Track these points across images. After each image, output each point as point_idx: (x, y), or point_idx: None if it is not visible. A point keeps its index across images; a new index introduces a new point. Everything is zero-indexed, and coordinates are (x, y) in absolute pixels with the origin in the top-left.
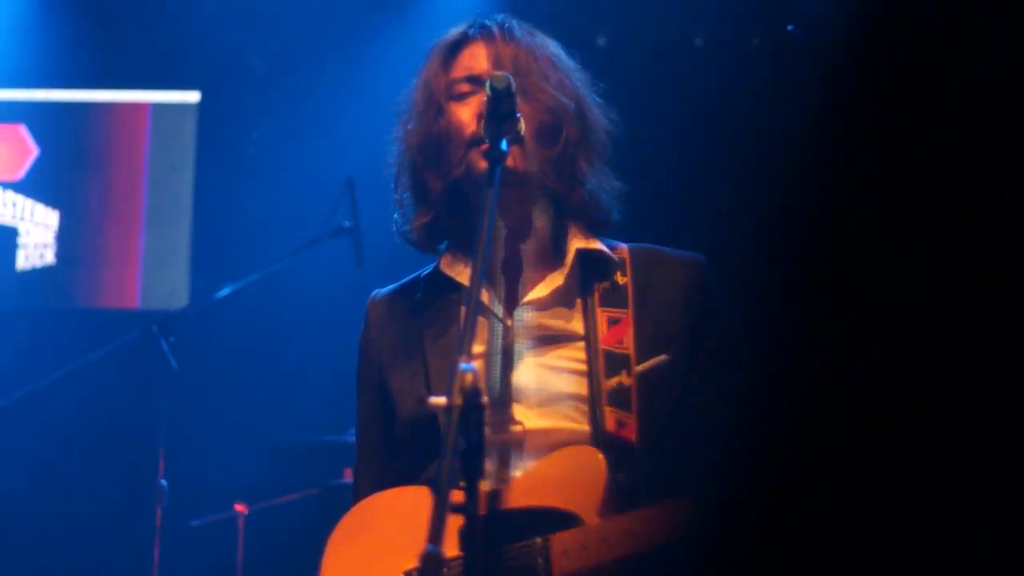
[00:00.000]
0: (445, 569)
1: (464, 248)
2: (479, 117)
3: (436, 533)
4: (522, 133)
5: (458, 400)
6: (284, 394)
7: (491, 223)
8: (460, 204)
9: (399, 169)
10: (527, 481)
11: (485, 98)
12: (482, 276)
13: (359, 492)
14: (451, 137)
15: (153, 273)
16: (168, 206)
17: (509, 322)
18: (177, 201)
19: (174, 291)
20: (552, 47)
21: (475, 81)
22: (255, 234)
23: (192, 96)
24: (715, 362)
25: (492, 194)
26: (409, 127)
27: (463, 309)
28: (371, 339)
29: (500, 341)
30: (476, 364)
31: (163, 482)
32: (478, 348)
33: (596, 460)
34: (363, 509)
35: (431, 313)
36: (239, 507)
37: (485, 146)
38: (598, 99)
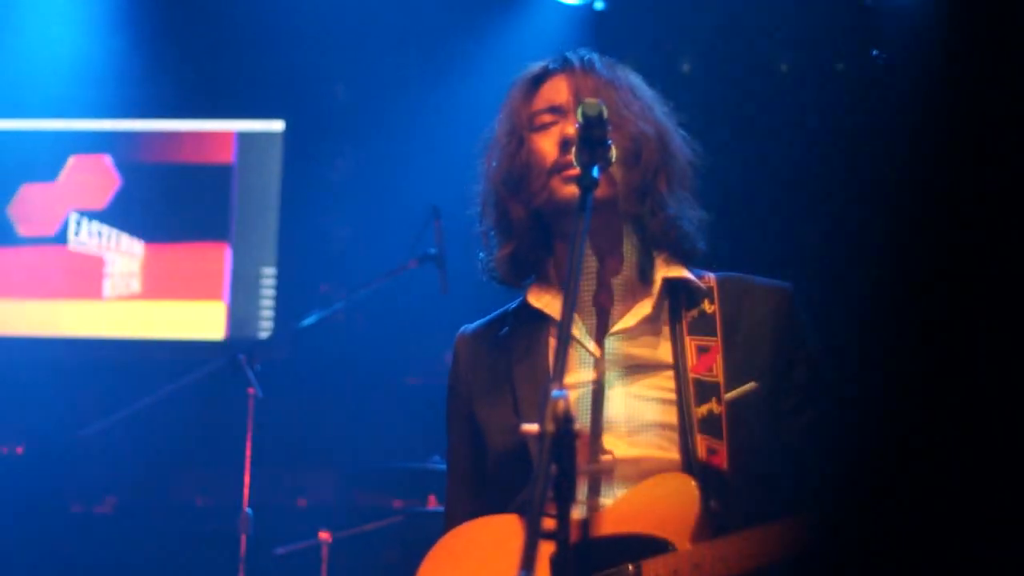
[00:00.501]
0: None
1: (549, 279)
2: (561, 145)
3: (529, 560)
4: (613, 160)
5: (551, 427)
6: (368, 421)
7: (582, 250)
8: (543, 234)
9: (483, 205)
10: (618, 509)
11: (576, 125)
12: (577, 310)
13: (450, 524)
14: (533, 166)
15: (239, 302)
16: (254, 235)
17: (598, 352)
18: (263, 230)
19: (260, 320)
20: (633, 79)
21: (557, 112)
22: (341, 262)
23: (277, 125)
24: (804, 390)
25: (584, 220)
26: (492, 161)
27: (551, 340)
28: (460, 374)
29: (590, 372)
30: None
31: (248, 510)
32: (569, 379)
33: (689, 487)
34: (453, 538)
35: (519, 345)
36: (323, 535)
37: (569, 172)
38: (681, 130)
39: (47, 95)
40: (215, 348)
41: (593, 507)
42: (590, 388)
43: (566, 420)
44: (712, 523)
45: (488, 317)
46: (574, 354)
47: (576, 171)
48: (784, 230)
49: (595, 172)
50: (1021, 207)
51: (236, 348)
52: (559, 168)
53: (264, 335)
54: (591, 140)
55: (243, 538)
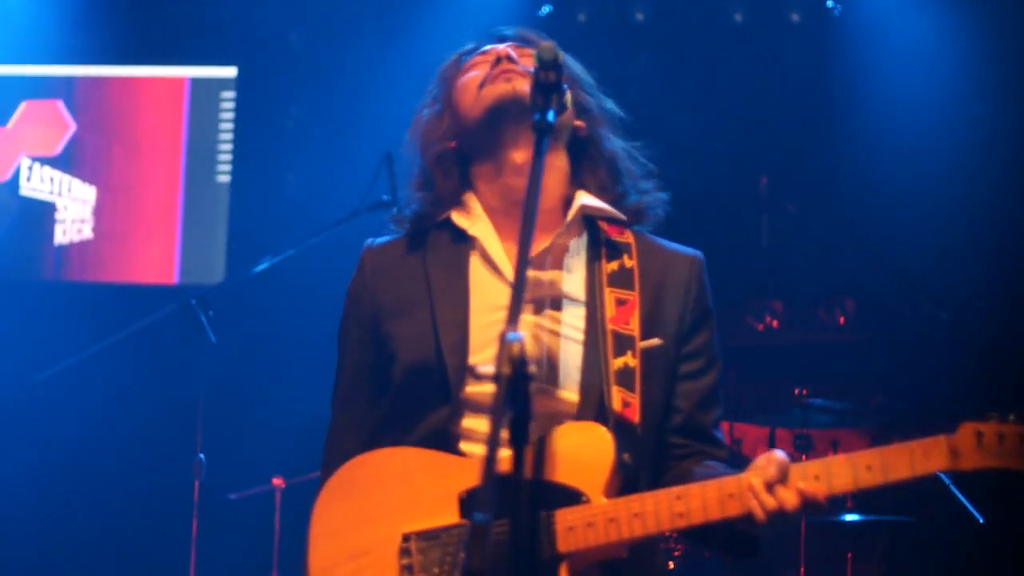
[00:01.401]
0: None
1: (468, 206)
2: (492, 62)
3: (486, 502)
4: (568, 105)
5: (506, 369)
6: (321, 368)
7: (536, 192)
8: (462, 169)
9: (423, 150)
10: (532, 452)
11: (532, 69)
12: (499, 232)
13: (339, 440)
14: (463, 95)
15: (191, 248)
16: (206, 181)
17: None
18: (215, 176)
19: (212, 265)
20: (572, 63)
21: (488, 55)
22: (293, 208)
23: (229, 71)
24: (706, 356)
25: (539, 163)
26: (424, 113)
27: (472, 259)
28: (365, 284)
29: (505, 297)
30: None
31: (201, 456)
32: (487, 301)
33: (605, 439)
34: (354, 467)
35: (438, 262)
36: (276, 481)
37: (499, 70)
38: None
39: None
40: (167, 293)
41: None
42: (499, 315)
43: (521, 363)
44: (624, 477)
45: (399, 233)
46: (493, 277)
47: (510, 66)
48: (738, 178)
49: (551, 116)
50: None
51: (188, 294)
52: (487, 80)
53: (216, 281)
54: (547, 84)
55: (196, 484)
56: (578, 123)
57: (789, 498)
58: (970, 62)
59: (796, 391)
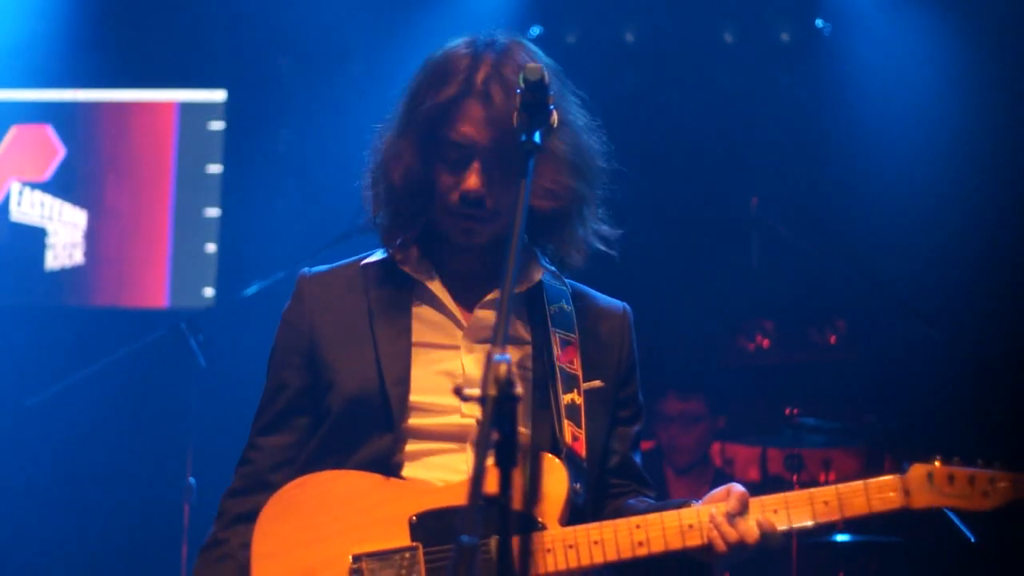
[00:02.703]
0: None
1: (426, 249)
2: (461, 197)
3: (471, 524)
4: (555, 125)
5: (492, 391)
6: None
7: (524, 222)
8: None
9: (375, 176)
10: (490, 480)
11: (518, 90)
12: (441, 278)
13: (260, 464)
14: (433, 194)
15: (181, 271)
16: (195, 204)
17: (466, 321)
18: (204, 199)
19: (202, 289)
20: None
21: (465, 149)
22: (282, 232)
23: (218, 95)
24: (634, 405)
25: (526, 186)
26: (392, 151)
27: (415, 304)
28: (304, 312)
29: (455, 338)
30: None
31: (191, 480)
32: (432, 339)
33: (560, 470)
34: (297, 488)
35: (381, 301)
36: None
37: (463, 223)
38: (600, 140)
39: None
40: (157, 317)
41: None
42: (453, 352)
43: (508, 384)
44: (574, 506)
45: (333, 264)
46: (438, 318)
47: (472, 224)
48: (728, 198)
49: (536, 137)
50: None
51: (178, 317)
52: (456, 215)
53: (206, 305)
54: (533, 105)
55: (186, 508)
56: (541, 204)
57: (750, 530)
58: (960, 82)
59: (787, 411)
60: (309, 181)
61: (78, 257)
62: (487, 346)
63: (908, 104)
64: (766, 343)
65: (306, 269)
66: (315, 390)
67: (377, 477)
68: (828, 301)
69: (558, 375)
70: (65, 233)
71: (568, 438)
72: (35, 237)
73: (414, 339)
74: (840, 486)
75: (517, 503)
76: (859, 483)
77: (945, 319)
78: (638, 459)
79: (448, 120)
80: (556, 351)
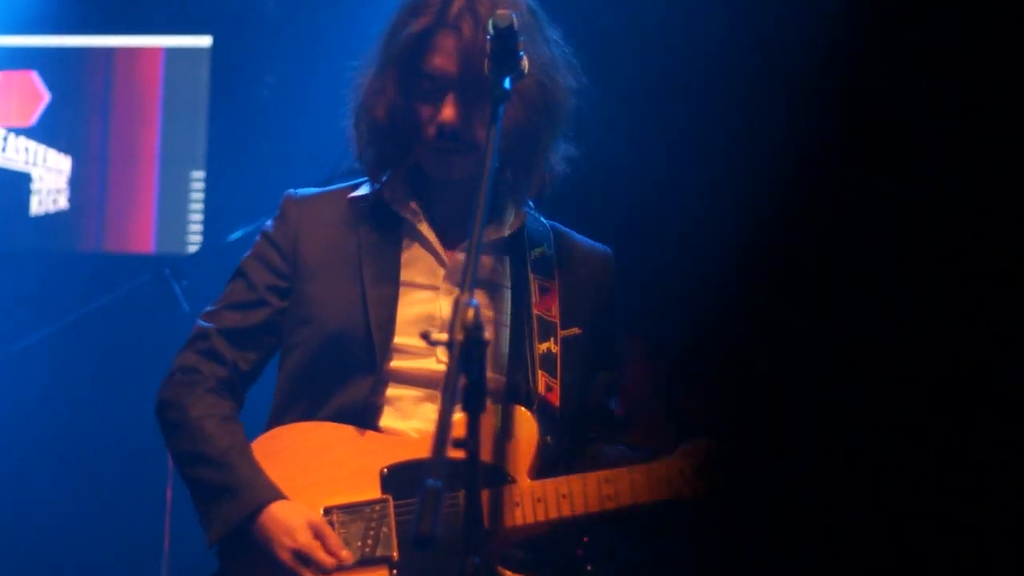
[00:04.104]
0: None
1: (406, 184)
2: (438, 129)
3: (437, 468)
4: (525, 71)
5: (460, 335)
6: None
7: (493, 167)
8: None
9: (360, 111)
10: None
11: (488, 37)
12: (428, 216)
13: (230, 365)
14: (411, 127)
15: (166, 217)
16: (181, 150)
17: (449, 262)
18: (190, 145)
19: (187, 235)
20: (528, 22)
21: (439, 81)
22: (268, 177)
23: (204, 40)
24: (612, 349)
25: (495, 132)
26: (372, 88)
27: (404, 241)
28: (287, 232)
29: (437, 278)
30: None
31: None
32: (415, 278)
33: (530, 422)
34: (269, 440)
35: (369, 238)
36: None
37: (440, 156)
38: (569, 66)
39: None
40: (143, 263)
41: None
42: (433, 294)
43: (476, 328)
44: (545, 458)
45: (322, 189)
46: (424, 258)
47: (449, 157)
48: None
49: (506, 84)
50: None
51: (162, 263)
52: (433, 148)
53: (191, 250)
54: (502, 51)
55: (169, 452)
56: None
57: (716, 483)
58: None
59: None
60: (295, 126)
61: (63, 203)
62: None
63: None
64: None
65: (292, 190)
66: (287, 320)
67: (351, 429)
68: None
69: (535, 323)
70: (50, 179)
71: (542, 388)
72: (20, 183)
73: (401, 278)
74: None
75: (486, 455)
76: None
77: None
78: (614, 404)
79: (422, 52)
80: (534, 298)
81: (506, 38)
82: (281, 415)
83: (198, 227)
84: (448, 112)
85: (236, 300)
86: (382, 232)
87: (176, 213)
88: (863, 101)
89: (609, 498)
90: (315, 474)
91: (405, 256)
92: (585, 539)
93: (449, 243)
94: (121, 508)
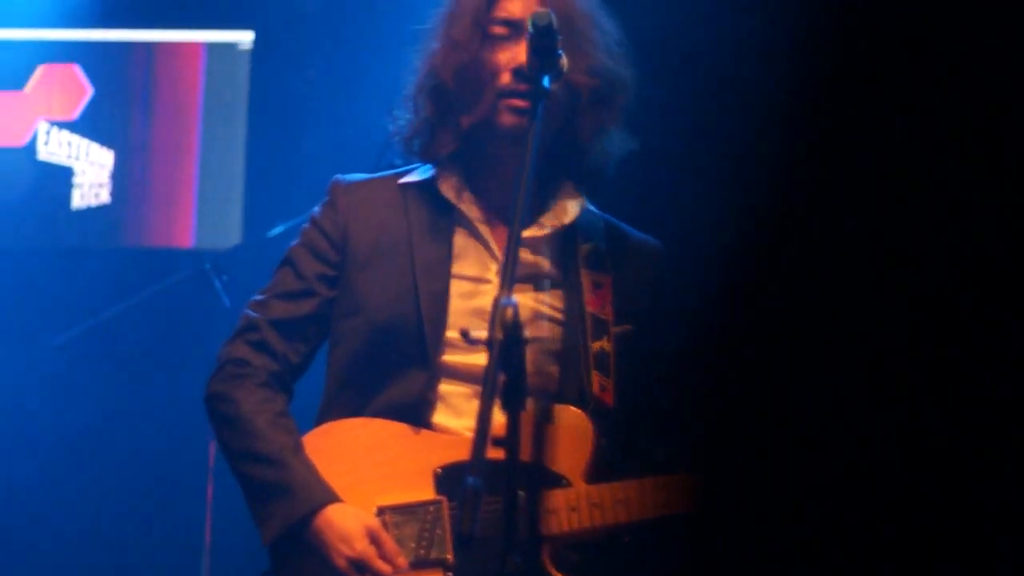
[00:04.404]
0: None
1: (458, 172)
2: (514, 72)
3: (478, 467)
4: (564, 70)
5: (499, 334)
6: None
7: (534, 161)
8: (476, 141)
9: (423, 83)
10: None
11: (527, 35)
12: (480, 205)
13: (279, 356)
14: (485, 79)
15: (207, 212)
16: (222, 145)
17: (501, 256)
18: (231, 140)
19: (227, 230)
20: (594, 4)
21: (513, 27)
22: (308, 172)
23: (246, 36)
24: (666, 345)
25: (535, 128)
26: (443, 49)
27: (457, 232)
28: (339, 223)
29: (489, 271)
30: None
31: None
32: (467, 270)
33: (585, 424)
34: (319, 437)
35: (419, 227)
36: None
37: (516, 102)
38: (625, 64)
39: (15, 3)
40: (183, 257)
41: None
42: (486, 287)
43: (515, 327)
44: (601, 462)
45: (371, 175)
46: (476, 249)
47: (523, 103)
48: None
49: (545, 82)
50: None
51: (203, 258)
52: (507, 93)
53: (231, 245)
54: (541, 49)
55: (212, 446)
56: (583, 80)
57: None
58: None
59: None
60: (335, 121)
61: (105, 197)
62: (524, 286)
63: None
64: None
65: (340, 176)
66: (334, 307)
67: (403, 427)
68: None
69: (588, 322)
70: (92, 173)
71: (596, 389)
72: (62, 177)
73: (453, 270)
74: None
75: (541, 458)
76: None
77: None
78: (668, 401)
79: (495, 1)
80: (586, 295)
81: (545, 36)
82: (330, 409)
83: (238, 222)
84: (524, 54)
85: (285, 289)
86: (433, 221)
87: (217, 208)
88: (866, 100)
89: (664, 505)
90: (367, 472)
91: (457, 247)
92: (626, 539)
93: (501, 235)
94: (161, 504)
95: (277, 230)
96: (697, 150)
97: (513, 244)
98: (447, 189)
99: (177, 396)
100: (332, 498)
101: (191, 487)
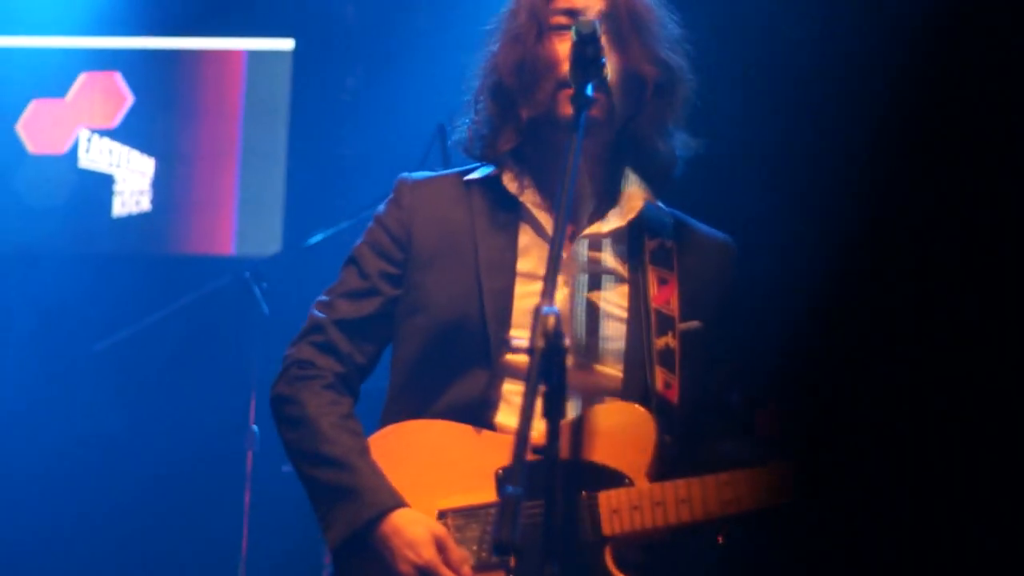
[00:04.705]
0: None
1: (525, 169)
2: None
3: (518, 475)
4: (608, 79)
5: (541, 342)
6: None
7: (575, 170)
8: (537, 132)
9: (484, 84)
10: (574, 431)
11: (571, 42)
12: (545, 201)
13: (346, 359)
14: (544, 71)
15: (247, 219)
16: (262, 153)
17: (565, 253)
18: (271, 148)
19: (267, 237)
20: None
21: (575, 16)
22: (348, 181)
23: (287, 44)
24: (734, 341)
25: (577, 139)
26: (503, 46)
27: (521, 228)
28: (404, 220)
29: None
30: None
31: (254, 427)
32: (531, 269)
33: (647, 421)
34: (381, 439)
35: (484, 224)
36: None
37: (571, 91)
38: (685, 60)
39: (57, 12)
40: (223, 265)
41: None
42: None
43: (556, 336)
44: (665, 458)
45: (437, 173)
46: (540, 246)
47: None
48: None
49: (588, 90)
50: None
51: (243, 266)
52: (567, 83)
53: (271, 253)
54: (584, 58)
55: (249, 455)
56: (648, 70)
57: None
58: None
59: None
60: (375, 130)
61: (145, 204)
62: (590, 284)
63: None
64: None
65: (405, 174)
66: (399, 305)
67: (465, 427)
68: None
69: (653, 317)
70: (133, 180)
71: (660, 386)
72: (103, 184)
73: (517, 268)
74: None
75: (603, 456)
76: None
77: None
78: (742, 398)
79: None
80: (652, 291)
81: (588, 44)
82: (394, 409)
83: (279, 230)
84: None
85: (349, 289)
86: (497, 217)
87: (257, 215)
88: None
89: (729, 503)
90: (430, 475)
91: (521, 244)
92: (720, 539)
93: (573, 235)
94: (199, 511)
95: (316, 238)
96: (812, 146)
97: (556, 249)
98: (510, 182)
99: (216, 403)
100: (399, 502)
101: (229, 495)
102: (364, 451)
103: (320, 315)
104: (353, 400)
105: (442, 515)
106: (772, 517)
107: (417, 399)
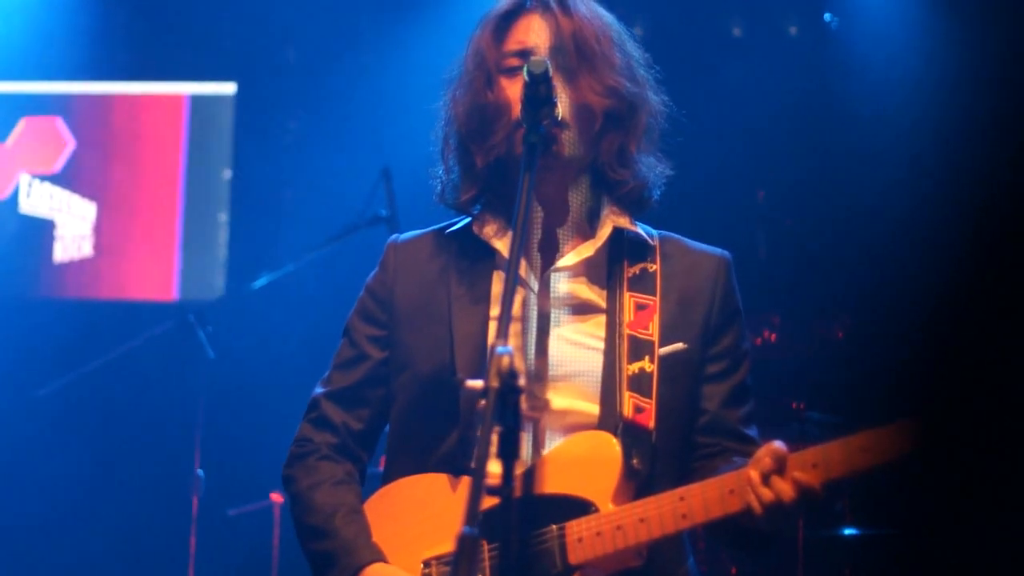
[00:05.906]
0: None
1: (499, 213)
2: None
3: (473, 516)
4: (560, 118)
5: (495, 383)
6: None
7: (528, 207)
8: (502, 175)
9: (446, 134)
10: (544, 467)
11: (523, 83)
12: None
13: (340, 429)
14: (498, 114)
15: (190, 264)
16: (205, 197)
17: (540, 289)
18: (214, 192)
19: (211, 281)
20: (612, 23)
21: (527, 56)
22: (291, 224)
23: (229, 88)
24: (731, 357)
25: (529, 179)
26: (457, 94)
27: (495, 274)
28: (386, 282)
29: (529, 306)
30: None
31: (199, 472)
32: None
33: (611, 446)
34: (377, 501)
35: (460, 275)
36: (275, 496)
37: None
38: (651, 80)
39: None
40: (167, 310)
41: (523, 460)
42: (525, 324)
43: (511, 376)
44: (634, 483)
45: (423, 231)
46: (517, 292)
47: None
48: (735, 191)
49: (541, 130)
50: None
51: (187, 310)
52: (522, 124)
53: (215, 297)
54: (537, 98)
55: (195, 499)
56: (599, 101)
57: (785, 489)
58: (966, 75)
59: (793, 405)
60: (318, 173)
61: (87, 249)
62: (564, 316)
63: (914, 97)
64: (773, 337)
65: (395, 236)
66: (389, 368)
67: (445, 477)
68: (835, 295)
69: (625, 343)
70: (74, 225)
71: (628, 410)
72: (44, 229)
73: (492, 313)
74: (875, 430)
75: (567, 487)
76: (890, 425)
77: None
78: (737, 414)
79: (506, 34)
80: (627, 317)
81: (540, 83)
82: (393, 468)
83: (222, 274)
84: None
85: (342, 360)
86: (473, 266)
87: (200, 259)
88: None
89: (683, 517)
90: (417, 527)
91: (495, 290)
92: (702, 545)
93: (543, 268)
94: (145, 556)
95: (261, 281)
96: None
97: (509, 285)
98: (481, 229)
99: (163, 447)
100: (375, 557)
101: (174, 539)
102: (349, 511)
103: (317, 391)
104: (352, 464)
105: (426, 564)
106: (729, 524)
107: (412, 456)
